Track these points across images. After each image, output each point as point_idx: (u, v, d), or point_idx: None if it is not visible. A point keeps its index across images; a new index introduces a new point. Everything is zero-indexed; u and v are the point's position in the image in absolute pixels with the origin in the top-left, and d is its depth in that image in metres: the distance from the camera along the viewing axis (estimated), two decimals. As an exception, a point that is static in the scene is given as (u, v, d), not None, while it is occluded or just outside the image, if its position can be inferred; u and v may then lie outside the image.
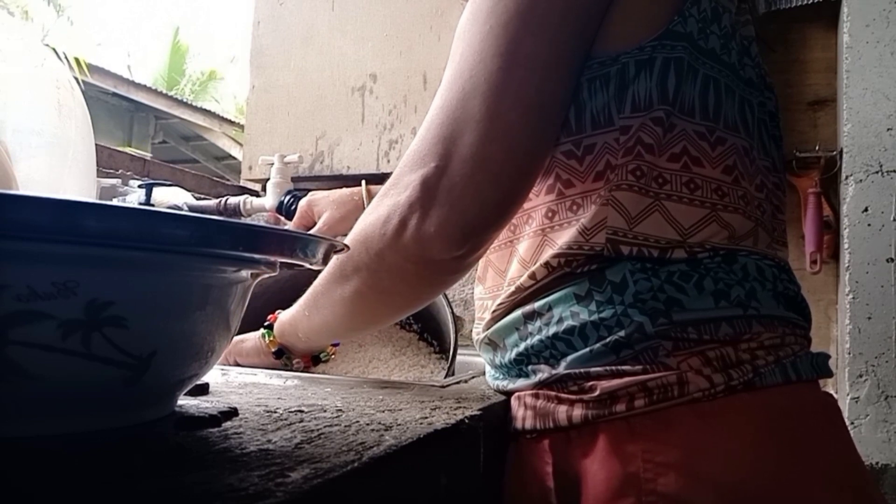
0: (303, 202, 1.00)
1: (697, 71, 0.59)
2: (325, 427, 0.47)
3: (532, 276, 0.61)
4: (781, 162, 0.70)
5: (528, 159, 0.58)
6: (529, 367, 0.62)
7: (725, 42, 0.61)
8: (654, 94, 0.58)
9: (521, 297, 0.63)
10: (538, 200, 0.63)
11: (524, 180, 0.59)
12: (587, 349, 0.57)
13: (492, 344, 0.68)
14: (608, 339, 0.56)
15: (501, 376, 0.67)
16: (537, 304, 0.61)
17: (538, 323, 0.61)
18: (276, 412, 0.52)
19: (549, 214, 0.62)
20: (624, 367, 0.56)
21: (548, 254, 0.60)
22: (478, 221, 0.56)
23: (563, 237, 0.60)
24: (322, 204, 0.97)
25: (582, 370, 0.57)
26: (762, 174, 0.64)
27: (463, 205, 0.55)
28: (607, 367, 0.56)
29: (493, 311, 0.66)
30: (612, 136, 0.58)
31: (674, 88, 0.58)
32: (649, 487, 0.52)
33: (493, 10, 0.58)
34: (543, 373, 0.60)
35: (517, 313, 0.63)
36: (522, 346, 0.62)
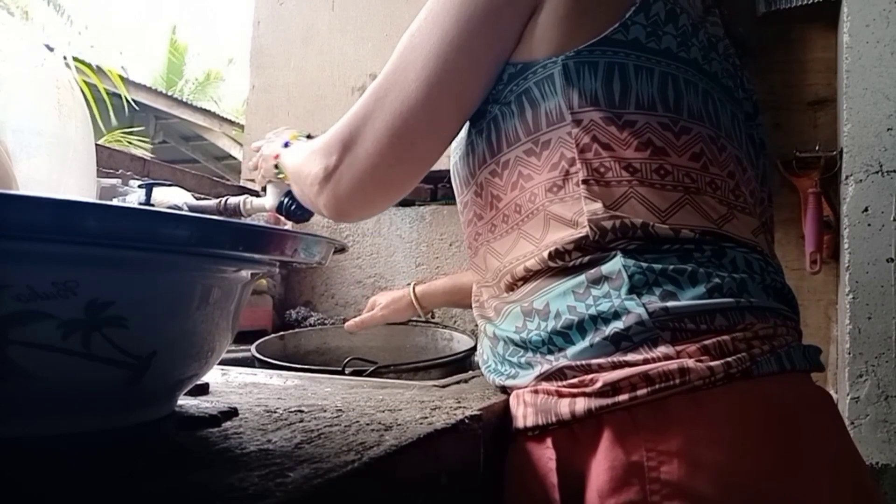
0: (371, 299, 1.29)
1: (653, 70, 0.62)
2: (325, 427, 0.47)
3: (526, 270, 0.63)
4: (757, 152, 0.72)
5: (399, 185, 0.69)
6: (527, 361, 0.63)
7: (683, 40, 0.64)
8: (601, 95, 0.61)
9: (518, 294, 0.64)
10: (508, 197, 0.66)
11: (391, 198, 0.71)
12: (587, 343, 0.58)
13: (490, 339, 0.68)
14: (607, 332, 0.57)
15: (499, 371, 0.68)
16: (536, 302, 0.62)
17: (537, 319, 0.62)
18: (276, 412, 0.52)
19: (517, 209, 0.65)
20: (625, 359, 0.56)
21: (529, 248, 0.63)
22: (350, 209, 0.71)
23: (543, 230, 0.62)
24: (382, 300, 1.26)
25: (582, 362, 0.58)
26: (734, 162, 0.66)
27: (342, 195, 0.69)
28: (608, 359, 0.57)
29: (492, 307, 0.67)
30: (566, 129, 0.62)
31: (619, 91, 0.61)
32: (653, 476, 0.53)
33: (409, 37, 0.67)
34: (543, 366, 0.61)
35: (515, 310, 0.64)
36: (521, 342, 0.63)
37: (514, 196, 0.66)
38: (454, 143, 0.76)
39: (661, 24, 0.63)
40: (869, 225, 1.16)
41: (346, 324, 1.22)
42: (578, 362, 0.58)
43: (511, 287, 0.66)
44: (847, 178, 1.19)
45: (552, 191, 0.62)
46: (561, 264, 0.61)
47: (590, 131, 0.61)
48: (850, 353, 1.15)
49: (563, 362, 0.59)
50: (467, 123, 0.71)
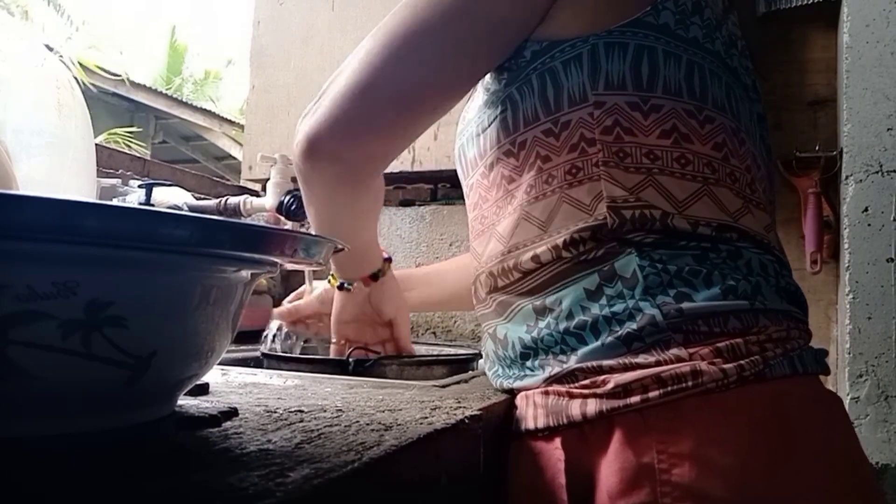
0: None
1: (681, 57, 0.62)
2: (325, 427, 0.47)
3: (536, 259, 0.62)
4: (768, 154, 0.72)
5: (379, 114, 0.66)
6: (537, 363, 0.63)
7: (708, 32, 0.64)
8: (628, 78, 0.61)
9: (526, 286, 0.64)
10: (522, 179, 0.65)
11: (368, 131, 0.67)
12: (599, 343, 0.58)
13: (498, 341, 0.68)
14: (620, 333, 0.57)
15: (506, 375, 0.67)
16: (548, 300, 0.62)
17: (548, 318, 0.62)
18: (276, 412, 0.52)
19: (528, 189, 0.64)
20: (637, 360, 0.56)
21: (535, 232, 0.63)
22: (325, 137, 0.66)
23: (552, 214, 0.62)
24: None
25: (594, 363, 0.58)
26: (751, 158, 0.66)
27: (317, 120, 0.66)
28: (620, 360, 0.57)
29: (496, 302, 0.67)
30: (587, 110, 0.61)
31: (648, 75, 0.61)
32: (664, 478, 0.53)
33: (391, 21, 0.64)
34: (553, 367, 0.61)
35: (526, 307, 0.64)
36: (531, 341, 0.63)
37: (528, 177, 0.64)
38: (461, 126, 0.75)
39: (689, 14, 0.63)
40: (869, 225, 1.16)
41: (278, 310, 1.00)
42: (590, 363, 0.58)
43: (519, 279, 0.64)
44: (847, 178, 1.19)
45: (570, 173, 0.62)
46: (574, 254, 0.60)
47: (612, 114, 0.61)
48: (850, 353, 1.15)
49: (574, 364, 0.59)
50: (479, 103, 0.70)
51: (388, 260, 0.91)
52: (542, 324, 0.62)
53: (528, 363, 0.64)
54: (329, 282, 0.91)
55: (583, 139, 0.61)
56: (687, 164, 0.60)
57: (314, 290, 1.00)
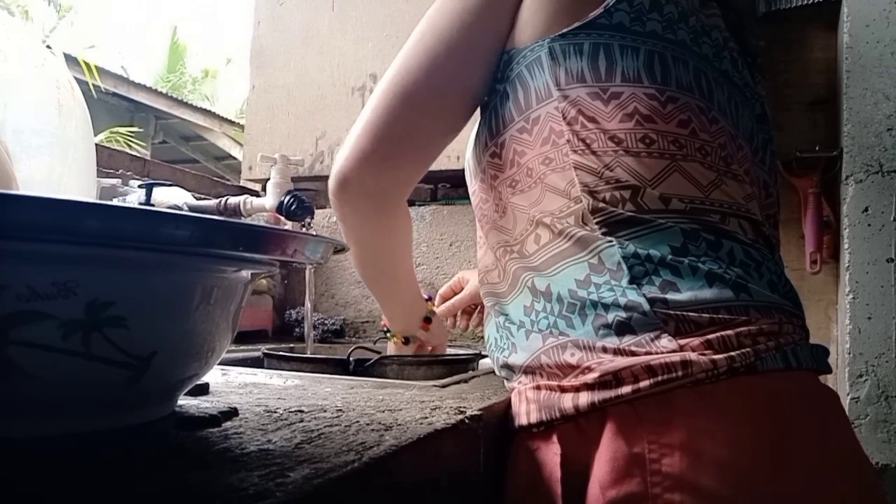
0: (457, 274, 1.14)
1: (638, 48, 0.64)
2: (325, 427, 0.47)
3: (536, 240, 0.65)
4: (764, 148, 0.73)
5: (396, 146, 0.72)
6: (532, 339, 0.64)
7: (669, 25, 0.66)
8: (587, 72, 0.64)
9: (533, 263, 0.66)
10: (505, 174, 0.69)
11: (389, 160, 0.72)
12: (590, 328, 0.59)
13: (501, 317, 0.70)
14: (609, 319, 0.58)
15: (501, 348, 0.69)
16: (544, 283, 0.64)
17: (542, 301, 0.64)
18: (276, 412, 0.52)
19: (512, 184, 0.69)
20: (627, 348, 0.57)
21: (524, 216, 0.66)
22: (349, 171, 0.73)
23: (536, 200, 0.65)
24: (468, 276, 1.16)
25: (588, 340, 0.59)
26: (727, 137, 0.67)
27: (340, 159, 0.73)
28: (609, 347, 0.58)
29: (507, 282, 0.69)
30: (553, 105, 0.65)
31: (605, 67, 0.64)
32: (654, 468, 0.53)
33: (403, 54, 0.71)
34: (547, 339, 0.62)
35: (530, 282, 0.66)
36: (530, 324, 0.65)
37: (511, 173, 0.69)
38: (468, 142, 0.80)
39: (646, 12, 0.65)
40: (869, 225, 1.16)
41: (439, 310, 1.09)
42: (582, 339, 0.59)
43: (523, 257, 0.67)
44: (847, 178, 1.19)
45: (545, 164, 0.65)
46: (564, 236, 0.63)
47: (576, 105, 0.64)
48: (850, 353, 1.15)
49: (564, 339, 0.61)
50: (477, 118, 0.75)
51: (430, 299, 0.99)
52: (537, 305, 0.64)
53: (524, 336, 0.65)
54: (392, 340, 0.97)
55: (552, 132, 0.65)
56: (652, 143, 0.63)
57: (468, 285, 1.09)
